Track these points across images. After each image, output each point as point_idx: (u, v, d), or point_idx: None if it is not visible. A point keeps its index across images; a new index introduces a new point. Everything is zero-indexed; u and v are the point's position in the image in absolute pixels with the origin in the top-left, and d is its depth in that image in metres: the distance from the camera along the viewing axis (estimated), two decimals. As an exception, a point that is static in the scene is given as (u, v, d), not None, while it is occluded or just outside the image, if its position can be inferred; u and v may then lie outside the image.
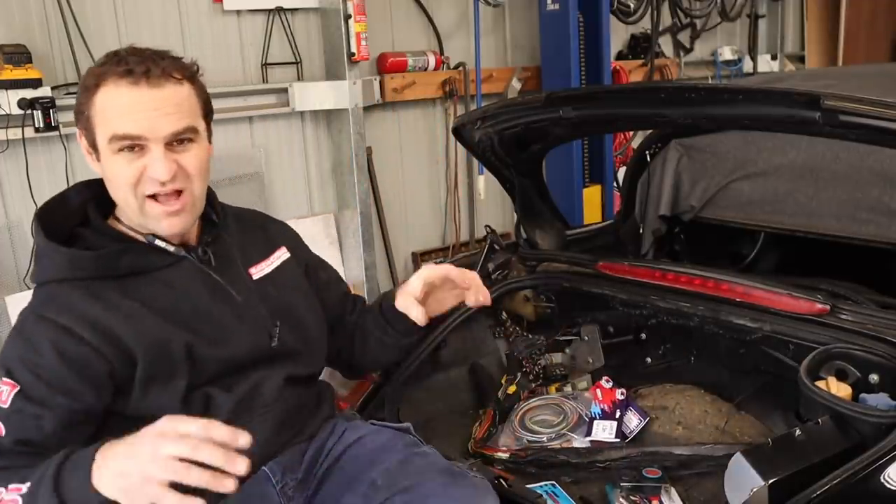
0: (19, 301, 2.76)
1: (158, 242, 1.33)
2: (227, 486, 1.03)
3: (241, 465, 1.04)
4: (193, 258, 1.36)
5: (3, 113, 2.72)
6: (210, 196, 1.42)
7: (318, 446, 1.47)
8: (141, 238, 1.34)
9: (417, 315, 1.50)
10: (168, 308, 1.31)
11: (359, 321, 1.66)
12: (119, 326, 1.25)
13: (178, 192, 1.29)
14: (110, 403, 1.27)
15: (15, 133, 2.78)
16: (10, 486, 1.13)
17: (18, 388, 1.19)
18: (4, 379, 1.20)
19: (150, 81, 1.24)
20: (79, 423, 1.23)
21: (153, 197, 1.29)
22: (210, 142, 1.37)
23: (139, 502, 1.04)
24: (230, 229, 1.46)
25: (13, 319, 2.75)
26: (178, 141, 1.28)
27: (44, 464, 1.13)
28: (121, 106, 1.24)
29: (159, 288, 1.32)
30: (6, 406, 1.18)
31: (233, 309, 1.37)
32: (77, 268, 1.28)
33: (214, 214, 1.44)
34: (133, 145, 1.25)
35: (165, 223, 1.31)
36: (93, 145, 1.29)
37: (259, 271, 1.47)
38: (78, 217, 1.37)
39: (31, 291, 1.34)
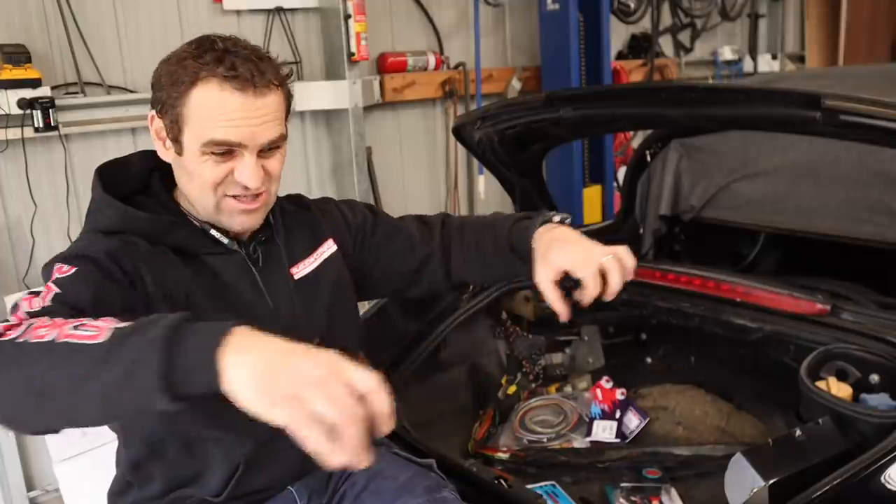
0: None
1: (213, 232, 1.31)
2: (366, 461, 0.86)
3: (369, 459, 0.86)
4: (243, 254, 1.34)
5: (3, 113, 2.71)
6: None
7: (342, 471, 1.43)
8: (197, 224, 1.31)
9: (562, 313, 1.30)
10: (210, 287, 1.27)
11: (444, 241, 1.53)
12: (157, 274, 1.21)
13: (258, 194, 1.28)
14: None
15: (14, 133, 2.77)
16: (88, 324, 0.94)
17: (76, 268, 1.13)
18: (59, 264, 1.14)
19: (256, 90, 1.19)
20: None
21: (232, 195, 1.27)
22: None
23: (280, 416, 0.83)
24: (280, 228, 1.43)
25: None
26: (268, 148, 1.25)
27: (138, 321, 0.94)
28: (224, 111, 1.18)
29: (207, 271, 1.29)
30: (65, 275, 1.12)
31: (268, 313, 1.34)
32: (129, 225, 1.25)
33: (271, 215, 1.41)
34: (226, 151, 1.22)
35: (240, 220, 1.29)
36: (174, 139, 1.24)
37: (301, 270, 1.42)
38: (137, 183, 1.34)
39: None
